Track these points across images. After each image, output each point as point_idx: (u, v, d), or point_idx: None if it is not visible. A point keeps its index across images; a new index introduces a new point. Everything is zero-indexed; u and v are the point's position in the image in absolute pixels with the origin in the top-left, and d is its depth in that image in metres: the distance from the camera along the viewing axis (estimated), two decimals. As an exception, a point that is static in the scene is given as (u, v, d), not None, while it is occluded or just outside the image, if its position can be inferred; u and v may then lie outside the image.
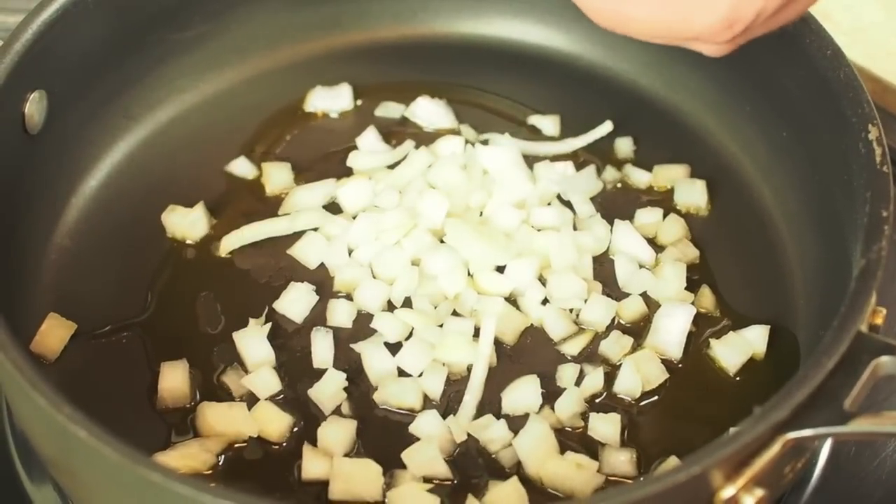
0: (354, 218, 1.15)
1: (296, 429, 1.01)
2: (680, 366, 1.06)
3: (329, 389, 1.03)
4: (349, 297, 1.10)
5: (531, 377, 1.04)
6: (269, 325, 1.07)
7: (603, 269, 1.13)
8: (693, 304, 1.09)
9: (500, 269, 1.11)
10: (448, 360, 1.05)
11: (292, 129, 1.25)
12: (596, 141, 1.23)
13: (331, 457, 0.98)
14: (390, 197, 1.16)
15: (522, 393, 1.03)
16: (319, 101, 1.27)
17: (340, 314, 1.09)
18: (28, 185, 1.11)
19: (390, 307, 1.10)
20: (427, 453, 0.98)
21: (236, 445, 1.00)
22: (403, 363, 1.05)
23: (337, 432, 1.00)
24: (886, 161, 0.97)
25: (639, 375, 1.03)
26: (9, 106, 1.06)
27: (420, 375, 1.04)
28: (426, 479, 0.97)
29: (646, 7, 0.83)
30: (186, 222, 1.15)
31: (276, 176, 1.20)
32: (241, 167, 1.21)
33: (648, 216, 1.16)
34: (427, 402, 1.03)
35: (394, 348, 1.06)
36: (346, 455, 0.99)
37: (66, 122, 1.14)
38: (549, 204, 1.17)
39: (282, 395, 1.04)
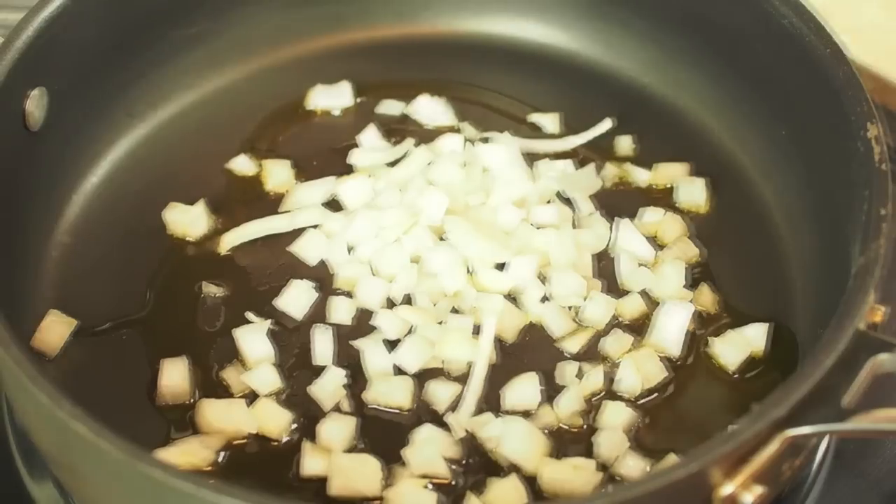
0: (354, 215, 1.15)
1: (296, 426, 1.01)
2: (680, 364, 1.06)
3: (329, 386, 1.03)
4: (349, 295, 1.11)
5: (531, 374, 1.04)
6: (269, 321, 1.07)
7: (603, 266, 1.13)
8: (692, 301, 1.09)
9: (501, 267, 1.11)
10: (448, 357, 1.05)
11: (293, 127, 1.26)
12: (596, 139, 1.23)
13: (330, 453, 0.98)
14: (390, 194, 1.16)
15: (522, 390, 1.03)
16: (320, 98, 1.27)
17: (341, 311, 1.09)
18: (29, 182, 1.11)
19: (390, 304, 1.10)
20: (428, 452, 0.98)
21: (236, 442, 1.00)
22: (401, 360, 1.05)
23: (337, 429, 1.00)
24: (885, 159, 0.97)
25: (639, 374, 1.04)
26: (9, 103, 1.06)
27: (415, 375, 1.04)
28: (425, 477, 0.97)
29: None
30: (187, 219, 1.15)
31: (277, 173, 1.20)
32: (242, 164, 1.21)
33: (650, 215, 1.16)
34: (424, 408, 1.03)
35: (395, 346, 1.06)
36: (346, 452, 0.99)
37: (67, 119, 1.14)
38: (549, 202, 1.17)
39: (282, 392, 1.04)
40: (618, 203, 1.17)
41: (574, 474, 0.97)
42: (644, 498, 0.81)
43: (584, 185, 1.18)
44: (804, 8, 1.11)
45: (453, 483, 0.98)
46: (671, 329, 1.07)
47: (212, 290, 1.10)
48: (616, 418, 1.01)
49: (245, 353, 1.05)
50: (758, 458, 0.84)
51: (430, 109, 1.26)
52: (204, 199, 1.17)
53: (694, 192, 1.18)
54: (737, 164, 1.20)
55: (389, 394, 1.03)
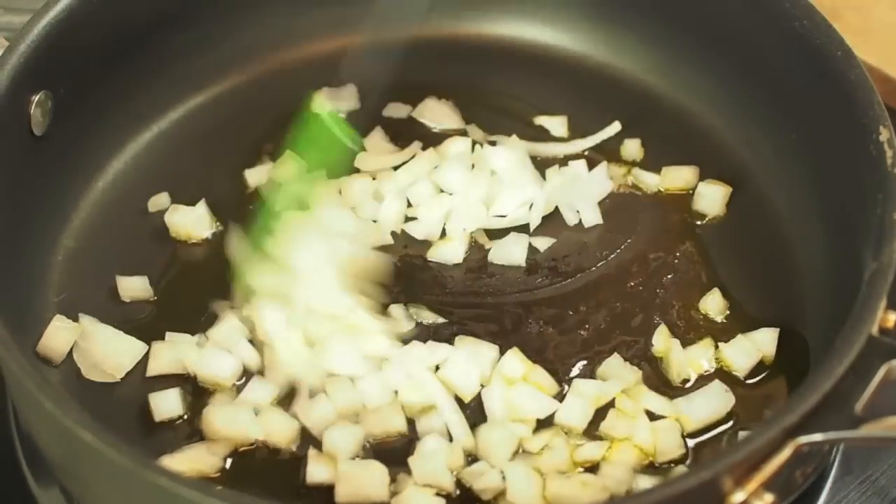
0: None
1: (302, 433, 1.00)
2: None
3: (336, 392, 1.02)
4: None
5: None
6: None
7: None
8: (700, 307, 1.08)
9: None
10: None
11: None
12: (604, 142, 1.23)
13: (335, 461, 0.97)
14: None
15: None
16: (326, 101, 1.27)
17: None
18: (34, 187, 1.11)
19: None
20: (433, 464, 0.97)
21: (243, 449, 1.00)
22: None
23: (343, 437, 0.99)
24: (898, 162, 0.97)
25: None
26: (14, 107, 1.06)
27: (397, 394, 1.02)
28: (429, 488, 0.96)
29: None
30: (189, 221, 1.15)
31: (283, 177, 1.19)
32: (248, 169, 1.21)
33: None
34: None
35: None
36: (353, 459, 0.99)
37: (73, 123, 1.13)
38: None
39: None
40: (626, 206, 1.17)
41: (582, 490, 0.95)
42: (655, 506, 0.80)
43: (593, 190, 1.17)
44: (814, 9, 1.10)
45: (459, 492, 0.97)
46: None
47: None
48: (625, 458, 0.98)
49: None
50: (769, 465, 0.83)
51: (436, 112, 1.26)
52: (205, 200, 1.15)
53: (714, 199, 1.16)
54: (746, 167, 1.19)
55: (385, 422, 1.00)
